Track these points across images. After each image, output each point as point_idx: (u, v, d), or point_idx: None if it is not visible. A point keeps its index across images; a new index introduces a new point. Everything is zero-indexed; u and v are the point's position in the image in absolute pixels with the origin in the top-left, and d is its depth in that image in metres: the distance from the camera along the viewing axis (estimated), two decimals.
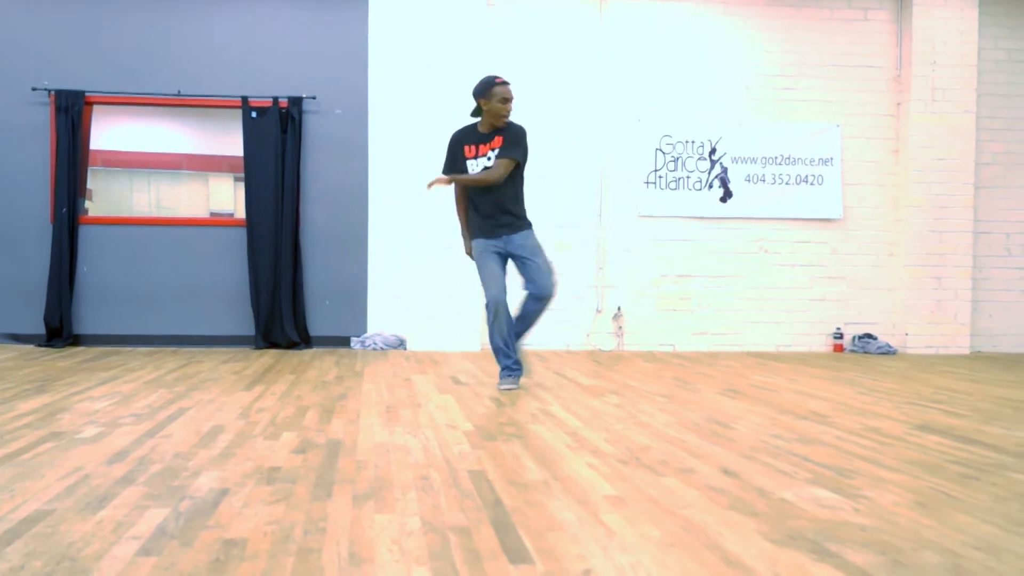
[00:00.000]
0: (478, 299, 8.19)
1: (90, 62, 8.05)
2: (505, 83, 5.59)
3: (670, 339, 8.63)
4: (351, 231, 8.33)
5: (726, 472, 3.35)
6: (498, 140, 5.57)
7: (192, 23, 8.20)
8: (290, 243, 8.13)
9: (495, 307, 5.56)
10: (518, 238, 5.62)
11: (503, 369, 5.64)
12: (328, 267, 8.31)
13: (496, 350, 5.68)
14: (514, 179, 5.60)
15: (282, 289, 8.08)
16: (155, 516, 2.65)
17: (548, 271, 5.65)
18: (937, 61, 8.63)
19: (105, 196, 8.64)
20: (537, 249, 5.67)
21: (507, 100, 5.55)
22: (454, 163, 5.69)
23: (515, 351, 5.70)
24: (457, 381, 6.02)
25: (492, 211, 5.60)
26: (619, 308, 8.57)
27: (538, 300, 5.67)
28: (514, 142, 5.56)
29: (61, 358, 6.99)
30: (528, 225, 5.71)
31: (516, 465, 3.42)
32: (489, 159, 5.56)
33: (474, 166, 5.61)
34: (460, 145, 5.69)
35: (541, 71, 8.51)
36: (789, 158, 8.71)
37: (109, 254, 8.12)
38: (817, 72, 8.75)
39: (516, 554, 2.35)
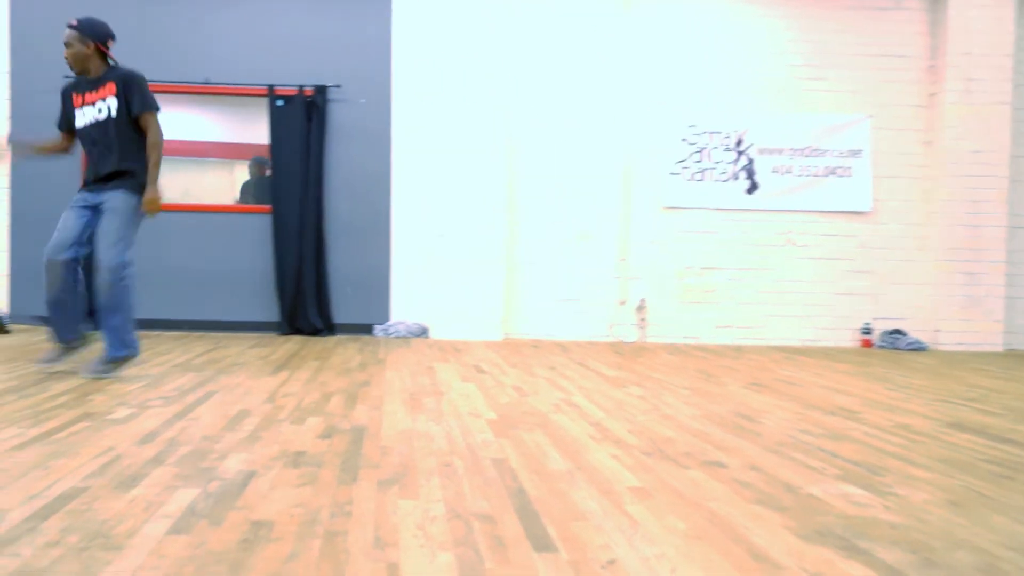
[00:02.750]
0: (500, 288, 8.20)
1: (119, 51, 7.96)
2: (67, 26, 5.07)
3: (694, 332, 8.58)
4: (374, 219, 8.34)
5: (752, 466, 3.31)
6: (110, 87, 5.05)
7: (220, 12, 8.23)
8: (314, 231, 8.14)
9: (45, 262, 5.04)
10: (106, 195, 5.07)
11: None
12: (351, 255, 8.32)
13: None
14: (133, 130, 5.11)
15: (306, 276, 8.10)
16: (185, 496, 2.67)
17: (111, 239, 4.99)
18: (972, 51, 8.49)
19: None
20: (117, 212, 5.03)
21: (65, 45, 5.03)
22: (64, 114, 5.22)
23: (62, 326, 5.15)
24: (480, 370, 6.00)
25: (102, 163, 5.09)
26: (642, 300, 8.53)
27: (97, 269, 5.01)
28: (139, 91, 5.06)
29: (94, 340, 7.03)
30: (131, 186, 5.08)
31: (539, 454, 3.40)
32: (101, 110, 5.04)
33: (82, 116, 5.12)
34: (69, 94, 5.19)
35: (565, 60, 8.48)
36: (817, 150, 8.63)
37: (138, 240, 8.08)
38: (847, 62, 8.65)
39: (540, 542, 2.33)
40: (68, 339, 5.22)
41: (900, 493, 2.97)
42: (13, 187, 8.08)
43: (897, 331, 8.58)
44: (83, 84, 5.16)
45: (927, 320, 8.70)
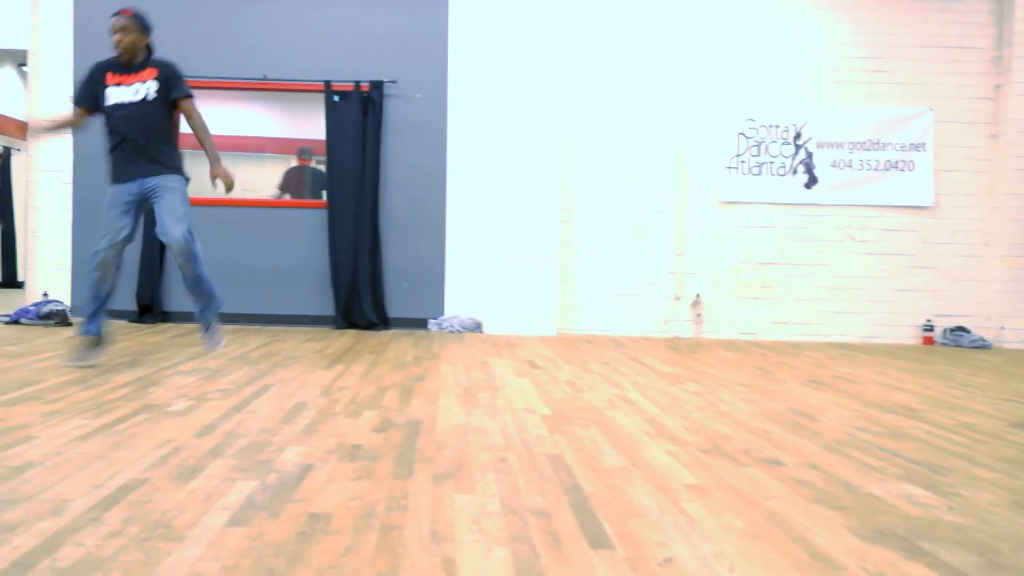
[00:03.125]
0: (555, 284, 8.18)
1: (180, 47, 8.18)
2: (117, 13, 5.16)
3: (750, 328, 8.49)
4: (429, 214, 8.37)
5: (811, 464, 3.26)
6: (151, 72, 5.20)
7: (278, 8, 8.32)
8: (369, 225, 8.20)
9: (100, 260, 5.18)
10: (155, 180, 5.20)
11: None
12: (406, 249, 8.37)
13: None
14: (169, 115, 5.32)
15: (361, 271, 8.17)
16: (243, 488, 2.70)
17: (177, 214, 5.16)
18: None
19: (192, 178, 8.82)
20: (174, 190, 5.23)
21: (113, 31, 5.13)
22: (92, 90, 5.21)
23: (101, 316, 5.25)
24: (534, 365, 5.99)
25: (135, 149, 5.20)
26: (698, 295, 8.46)
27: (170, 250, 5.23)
28: (180, 78, 5.26)
29: (152, 334, 7.18)
30: (175, 169, 5.31)
31: (594, 450, 3.39)
32: (137, 92, 5.16)
33: (114, 95, 5.17)
34: (103, 72, 5.23)
35: (622, 55, 8.43)
36: (878, 143, 8.47)
37: (196, 234, 8.24)
38: (909, 53, 8.48)
39: (596, 538, 2.32)
40: (100, 331, 5.26)
41: (964, 494, 2.91)
42: (76, 182, 8.26)
43: (960, 328, 8.40)
44: (119, 67, 5.25)
45: (991, 317, 8.51)
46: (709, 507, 2.66)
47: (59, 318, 7.54)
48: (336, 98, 8.23)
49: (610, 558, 2.18)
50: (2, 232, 14.35)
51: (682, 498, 2.75)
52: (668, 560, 2.18)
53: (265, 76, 8.28)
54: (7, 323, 7.57)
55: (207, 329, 5.62)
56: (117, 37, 5.17)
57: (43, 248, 8.33)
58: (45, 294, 8.18)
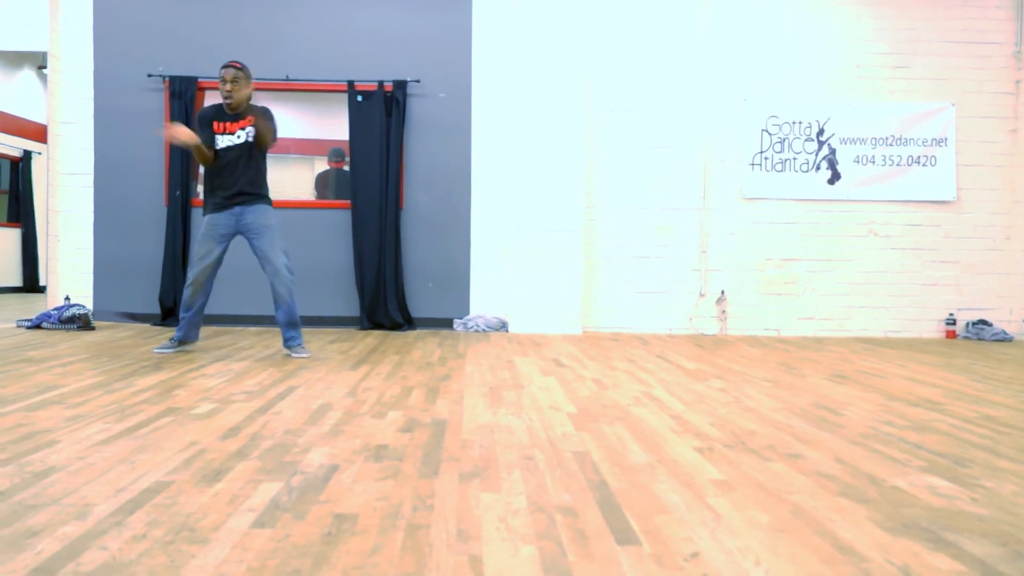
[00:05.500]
0: (579, 282, 8.21)
1: (203, 49, 8.29)
2: (227, 66, 5.89)
3: (774, 324, 8.49)
4: (453, 213, 8.41)
5: (836, 458, 3.28)
6: (251, 119, 5.91)
7: (300, 9, 8.37)
8: (393, 225, 8.24)
9: (191, 282, 6.03)
10: (254, 215, 5.97)
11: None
12: (431, 249, 8.41)
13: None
14: (260, 157, 6.06)
15: (386, 271, 8.22)
16: (268, 490, 2.70)
17: (279, 248, 5.98)
18: None
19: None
20: (272, 228, 6.00)
21: (224, 81, 5.84)
22: (207, 135, 5.89)
23: (189, 329, 6.16)
24: (559, 363, 6.03)
25: (233, 182, 5.94)
26: (722, 292, 8.46)
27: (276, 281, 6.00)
28: (270, 119, 5.96)
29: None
30: (267, 202, 6.08)
31: (620, 447, 3.41)
32: (239, 136, 5.90)
33: (222, 141, 5.90)
34: (209, 121, 5.92)
35: (645, 53, 8.45)
36: (900, 139, 8.45)
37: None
38: (931, 49, 8.45)
39: (623, 535, 2.35)
40: (190, 339, 6.22)
41: (987, 485, 2.92)
42: (97, 185, 8.33)
43: (982, 322, 8.37)
44: (223, 114, 5.94)
45: (1012, 311, 8.48)
46: (735, 502, 2.68)
47: (81, 322, 7.60)
48: (359, 98, 8.27)
49: (636, 554, 2.21)
50: (23, 236, 14.49)
51: (708, 494, 2.77)
52: (694, 555, 2.21)
53: (288, 76, 8.34)
54: (29, 328, 7.63)
55: (301, 345, 6.18)
56: (228, 88, 5.86)
57: (64, 252, 8.40)
58: (67, 298, 8.23)
